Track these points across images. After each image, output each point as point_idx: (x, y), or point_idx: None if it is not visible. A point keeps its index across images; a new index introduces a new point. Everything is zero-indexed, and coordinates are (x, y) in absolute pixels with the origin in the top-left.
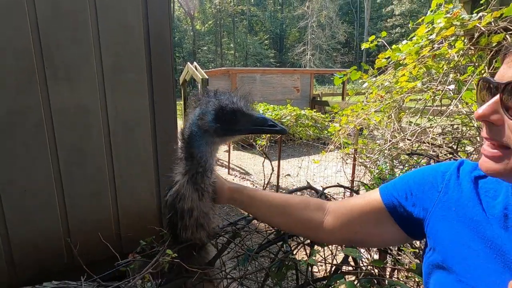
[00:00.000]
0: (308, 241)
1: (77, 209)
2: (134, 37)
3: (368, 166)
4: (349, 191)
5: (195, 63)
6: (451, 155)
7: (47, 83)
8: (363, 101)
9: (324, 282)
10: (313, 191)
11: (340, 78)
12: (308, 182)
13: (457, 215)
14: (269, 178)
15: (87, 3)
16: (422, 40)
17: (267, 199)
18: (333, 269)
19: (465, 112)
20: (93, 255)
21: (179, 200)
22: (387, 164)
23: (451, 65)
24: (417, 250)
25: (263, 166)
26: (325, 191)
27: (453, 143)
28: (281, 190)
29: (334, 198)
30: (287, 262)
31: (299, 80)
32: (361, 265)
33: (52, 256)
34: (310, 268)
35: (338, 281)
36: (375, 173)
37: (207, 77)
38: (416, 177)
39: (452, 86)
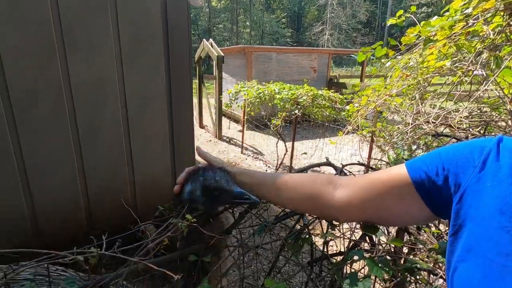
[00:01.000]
0: None
1: (96, 180)
2: (152, 13)
3: (386, 149)
4: (370, 169)
5: (210, 40)
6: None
7: (66, 56)
8: (385, 81)
9: (340, 258)
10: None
11: (364, 54)
12: (327, 158)
13: (493, 190)
14: (282, 159)
15: None
16: (456, 14)
17: (272, 177)
18: (351, 244)
19: (497, 94)
20: (110, 225)
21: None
22: (405, 149)
23: (485, 43)
24: (439, 231)
25: (276, 146)
26: (344, 169)
27: (480, 127)
28: (294, 171)
29: (353, 175)
30: (304, 235)
31: (317, 60)
32: (380, 243)
33: (74, 224)
34: (326, 242)
35: (355, 257)
36: (392, 157)
37: (222, 54)
38: (450, 151)
39: (481, 72)
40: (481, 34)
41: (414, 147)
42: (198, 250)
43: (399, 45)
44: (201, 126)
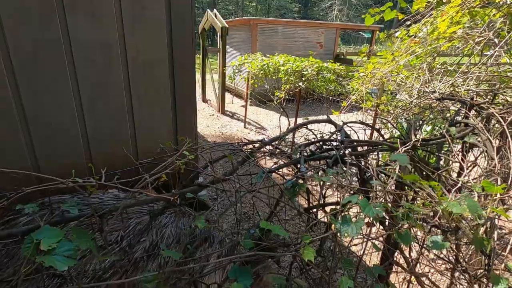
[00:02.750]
0: (324, 166)
1: (99, 143)
2: None
3: (390, 123)
4: (371, 130)
5: (215, 10)
6: (484, 101)
7: (65, 15)
8: (393, 48)
9: (336, 207)
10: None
11: (372, 16)
12: (328, 116)
13: None
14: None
15: None
16: None
17: None
18: (349, 193)
19: (508, 61)
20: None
21: None
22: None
23: (501, 11)
24: (436, 183)
25: (279, 121)
26: (346, 126)
27: (489, 96)
28: (296, 145)
29: (355, 132)
30: (300, 182)
31: (324, 35)
32: (378, 189)
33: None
34: (323, 190)
35: (350, 202)
36: (395, 132)
37: (227, 25)
38: None
39: (492, 51)
40: (496, 1)
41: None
42: (194, 191)
43: (409, 8)
44: (204, 100)
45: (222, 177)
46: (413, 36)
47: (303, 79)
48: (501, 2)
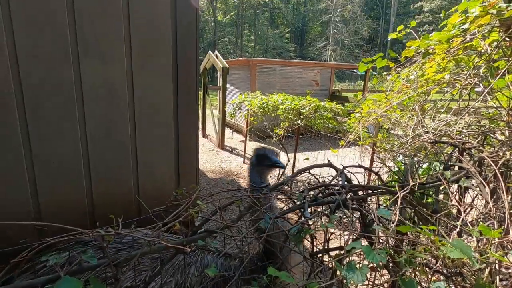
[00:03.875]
0: (327, 211)
1: (101, 181)
2: (162, 22)
3: (387, 159)
4: (368, 174)
5: (216, 51)
6: (476, 146)
7: (79, 58)
8: (386, 91)
9: (340, 252)
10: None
11: (365, 64)
12: (328, 160)
13: None
14: (284, 169)
15: None
16: (454, 29)
17: None
18: (350, 242)
19: (494, 106)
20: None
21: None
22: (407, 158)
23: (482, 59)
24: (435, 227)
25: (278, 157)
26: (346, 170)
27: (479, 138)
28: (295, 181)
29: (354, 176)
30: (305, 228)
31: (319, 74)
32: (380, 236)
33: (77, 225)
34: (327, 235)
35: (354, 248)
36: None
37: (227, 66)
38: None
39: (480, 88)
40: (478, 49)
41: (415, 158)
42: (203, 237)
43: (399, 57)
44: (204, 135)
45: (230, 223)
46: (404, 80)
47: (301, 117)
48: (482, 50)
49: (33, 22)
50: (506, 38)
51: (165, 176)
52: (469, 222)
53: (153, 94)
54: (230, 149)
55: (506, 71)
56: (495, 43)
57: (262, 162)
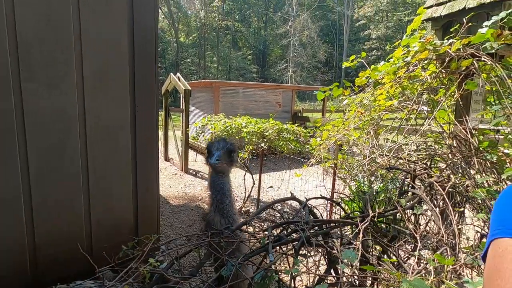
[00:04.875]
0: (292, 251)
1: (46, 220)
2: (119, 45)
3: (347, 181)
4: (331, 202)
5: (178, 74)
6: (425, 171)
7: (21, 85)
8: (343, 117)
9: None
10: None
11: (323, 93)
12: (292, 193)
13: None
14: (250, 192)
15: (71, 7)
16: (398, 61)
17: None
18: (316, 279)
19: (437, 131)
20: (61, 272)
21: None
22: (365, 179)
23: (424, 86)
24: (396, 260)
25: (244, 179)
26: (308, 203)
27: (427, 159)
28: (261, 203)
29: (317, 209)
30: (270, 273)
31: (281, 95)
32: (345, 275)
33: (14, 272)
34: (293, 278)
35: None
36: (353, 188)
37: (190, 88)
38: None
39: (425, 107)
40: (420, 78)
41: (372, 178)
42: None
43: (352, 86)
44: (167, 159)
45: (189, 276)
46: (358, 105)
47: (265, 139)
48: (424, 79)
49: None
50: (442, 70)
51: (122, 209)
52: (426, 246)
53: (108, 119)
54: (194, 172)
55: (444, 101)
56: (434, 74)
57: (208, 157)
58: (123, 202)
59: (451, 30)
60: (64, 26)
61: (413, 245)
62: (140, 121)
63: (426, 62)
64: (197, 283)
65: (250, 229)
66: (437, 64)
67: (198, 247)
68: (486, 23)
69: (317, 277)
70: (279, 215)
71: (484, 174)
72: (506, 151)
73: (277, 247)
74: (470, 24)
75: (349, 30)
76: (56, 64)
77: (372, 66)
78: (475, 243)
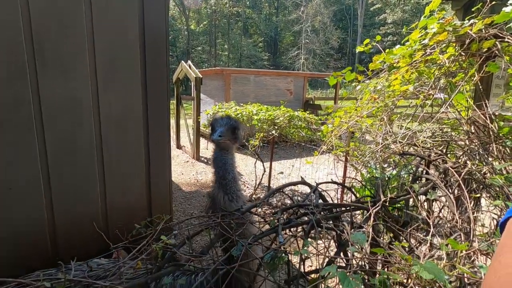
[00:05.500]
0: (301, 233)
1: (64, 203)
2: (130, 34)
3: (359, 168)
4: (342, 189)
5: (189, 61)
6: (440, 157)
7: (37, 75)
8: (356, 103)
9: (316, 275)
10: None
11: (335, 78)
12: (302, 178)
13: None
14: (261, 179)
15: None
16: (415, 44)
17: None
18: (325, 261)
19: (454, 116)
20: (79, 251)
21: None
22: (377, 166)
23: (442, 71)
24: (407, 243)
25: (255, 167)
26: (319, 187)
27: (442, 146)
28: (271, 190)
29: (327, 193)
30: (279, 254)
31: (293, 83)
32: (355, 257)
33: (35, 252)
34: (302, 260)
35: (330, 272)
36: (365, 176)
37: (201, 76)
38: None
39: (442, 94)
40: (438, 62)
41: (385, 165)
42: (170, 273)
43: (366, 70)
44: (179, 147)
45: (200, 255)
46: (372, 90)
47: (276, 127)
48: (441, 63)
49: None
50: (462, 53)
51: (135, 195)
52: (439, 233)
53: (120, 107)
54: (205, 160)
55: (463, 85)
56: (452, 57)
57: (211, 134)
58: (137, 187)
59: (472, 10)
60: (77, 14)
61: (425, 232)
62: (151, 109)
63: (444, 45)
64: (208, 262)
65: (260, 213)
66: (456, 46)
67: (209, 228)
68: (511, 1)
69: (327, 259)
70: (289, 202)
71: (503, 161)
72: None
73: (287, 230)
74: (494, 2)
75: (364, 15)
76: (69, 52)
77: (387, 50)
78: (491, 231)
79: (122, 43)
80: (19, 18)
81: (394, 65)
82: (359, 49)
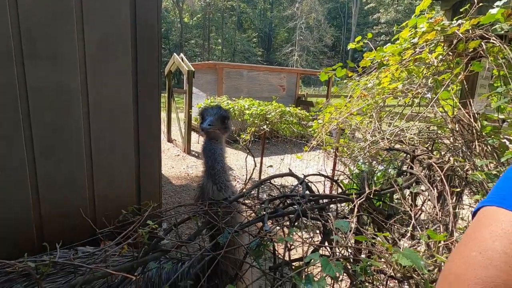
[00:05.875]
0: (287, 223)
1: (51, 193)
2: (121, 21)
3: (348, 164)
4: (331, 184)
5: (181, 54)
6: (425, 153)
7: (23, 59)
8: (346, 100)
9: (300, 263)
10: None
11: (326, 74)
12: (290, 170)
13: None
14: (251, 174)
15: None
16: (405, 43)
17: None
18: (310, 249)
19: (440, 114)
20: (66, 240)
21: None
22: (366, 162)
23: (430, 70)
24: (389, 234)
25: (245, 161)
26: (306, 179)
27: (428, 143)
28: (258, 181)
29: (315, 185)
30: (265, 242)
31: (285, 79)
32: (338, 244)
33: (22, 239)
34: (288, 248)
35: (313, 259)
36: (353, 171)
37: (193, 69)
38: None
39: (429, 94)
40: (427, 61)
41: (373, 162)
42: (156, 258)
43: (357, 67)
44: (169, 140)
45: (187, 241)
46: (362, 88)
47: (267, 122)
48: (430, 62)
49: None
50: (449, 52)
51: (124, 184)
52: (419, 225)
53: (110, 96)
54: (196, 154)
55: (449, 83)
56: (440, 57)
57: (201, 123)
58: (126, 176)
59: (461, 10)
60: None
61: (408, 225)
62: (142, 99)
63: (433, 44)
64: (194, 250)
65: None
66: (444, 46)
67: (196, 215)
68: (497, 3)
69: (312, 248)
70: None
71: (485, 159)
72: (509, 137)
73: (273, 219)
74: (481, 4)
75: (358, 13)
76: (57, 36)
77: (378, 48)
78: (469, 223)
79: (112, 28)
80: (5, 4)
81: (384, 62)
82: (351, 46)
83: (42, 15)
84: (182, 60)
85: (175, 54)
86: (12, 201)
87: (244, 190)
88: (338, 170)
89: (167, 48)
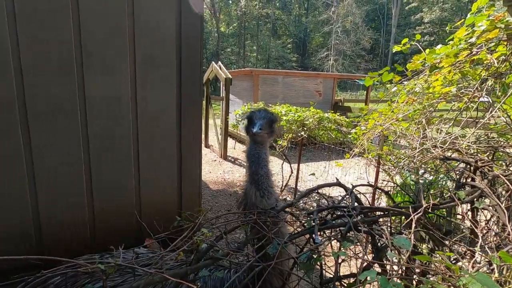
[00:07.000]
0: (339, 236)
1: (102, 195)
2: (167, 36)
3: (393, 173)
4: (373, 194)
5: (219, 62)
6: (488, 163)
7: (83, 73)
8: (393, 104)
9: (350, 280)
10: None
11: (371, 79)
12: (337, 179)
13: None
14: (288, 180)
15: (125, 2)
16: (460, 43)
17: None
18: (362, 265)
19: (504, 121)
20: (115, 241)
21: None
22: (413, 172)
23: (490, 71)
24: (452, 253)
25: (282, 168)
26: (355, 189)
27: (488, 152)
28: (299, 193)
29: (364, 196)
30: (315, 255)
31: (322, 84)
32: (396, 263)
33: (77, 238)
34: (338, 263)
35: (368, 277)
36: (398, 182)
37: (230, 76)
38: None
39: (486, 99)
40: (485, 62)
41: (421, 171)
42: (208, 265)
43: (405, 70)
44: (207, 145)
45: (237, 250)
46: (409, 92)
47: (305, 128)
48: (489, 63)
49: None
50: None
51: (168, 188)
52: (486, 245)
53: (155, 105)
54: (232, 160)
55: None
56: (503, 57)
57: (249, 127)
58: (169, 182)
59: None
60: (120, 12)
61: (469, 243)
62: (185, 108)
63: (493, 43)
64: (242, 258)
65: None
66: (507, 45)
67: (245, 224)
68: None
69: (361, 264)
70: (324, 204)
71: None
72: None
73: (322, 231)
74: None
75: (399, 14)
76: (111, 51)
77: (428, 50)
78: None
79: (159, 42)
80: (69, 18)
81: (436, 65)
82: (396, 48)
83: (100, 33)
84: (220, 68)
85: (213, 62)
86: (69, 203)
87: (280, 198)
88: (384, 180)
89: (204, 57)
